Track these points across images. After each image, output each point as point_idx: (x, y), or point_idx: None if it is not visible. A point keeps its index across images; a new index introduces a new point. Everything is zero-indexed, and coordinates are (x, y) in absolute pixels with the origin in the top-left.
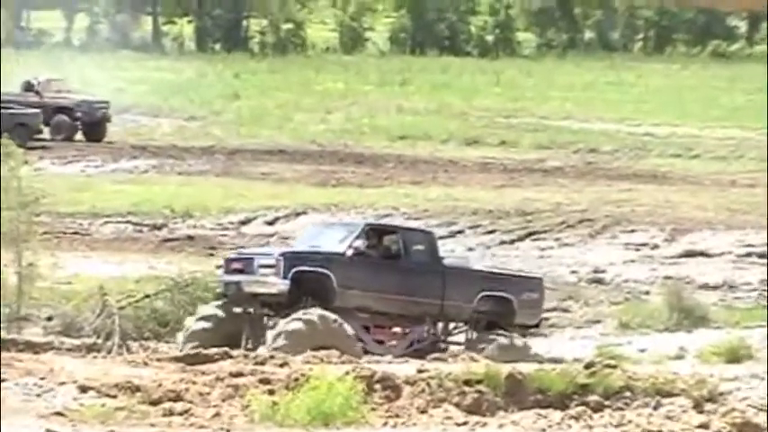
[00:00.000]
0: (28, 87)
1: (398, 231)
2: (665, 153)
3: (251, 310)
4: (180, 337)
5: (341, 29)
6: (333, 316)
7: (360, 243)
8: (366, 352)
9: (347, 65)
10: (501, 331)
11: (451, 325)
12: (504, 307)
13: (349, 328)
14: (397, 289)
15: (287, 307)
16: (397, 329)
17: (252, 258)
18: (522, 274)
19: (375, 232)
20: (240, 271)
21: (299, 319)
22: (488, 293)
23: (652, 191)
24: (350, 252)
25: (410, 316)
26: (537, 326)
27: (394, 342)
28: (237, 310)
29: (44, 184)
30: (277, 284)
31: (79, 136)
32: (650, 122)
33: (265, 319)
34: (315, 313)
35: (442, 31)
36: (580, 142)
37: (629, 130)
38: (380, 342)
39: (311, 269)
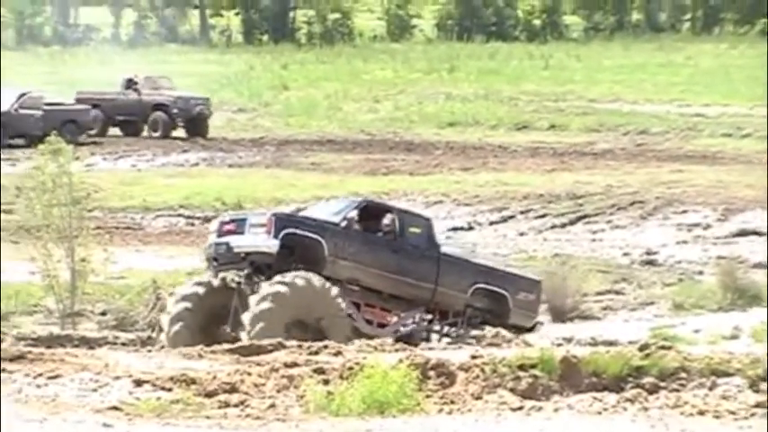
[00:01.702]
0: (128, 85)
1: (395, 211)
2: (716, 133)
3: (239, 278)
4: (171, 301)
5: (387, 17)
6: (309, 277)
7: (354, 215)
8: (356, 332)
9: (395, 53)
10: (492, 329)
11: (445, 319)
12: (498, 304)
13: (317, 280)
14: (389, 267)
15: (276, 271)
16: (387, 312)
17: (244, 219)
18: (522, 274)
19: (372, 209)
20: (232, 232)
21: (267, 295)
22: (482, 286)
23: (703, 171)
24: (343, 223)
25: (401, 298)
26: (531, 329)
27: (383, 324)
28: (227, 277)
29: (95, 180)
30: (266, 243)
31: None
32: (700, 103)
33: (255, 288)
34: (289, 278)
35: (488, 16)
36: (630, 124)
37: (679, 111)
38: (369, 322)
39: (303, 233)
